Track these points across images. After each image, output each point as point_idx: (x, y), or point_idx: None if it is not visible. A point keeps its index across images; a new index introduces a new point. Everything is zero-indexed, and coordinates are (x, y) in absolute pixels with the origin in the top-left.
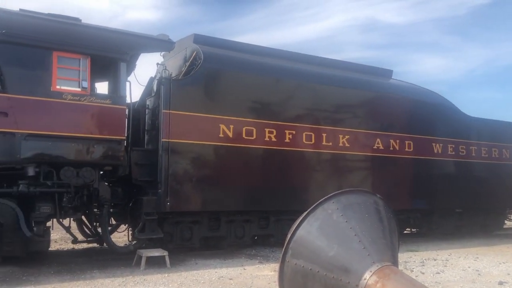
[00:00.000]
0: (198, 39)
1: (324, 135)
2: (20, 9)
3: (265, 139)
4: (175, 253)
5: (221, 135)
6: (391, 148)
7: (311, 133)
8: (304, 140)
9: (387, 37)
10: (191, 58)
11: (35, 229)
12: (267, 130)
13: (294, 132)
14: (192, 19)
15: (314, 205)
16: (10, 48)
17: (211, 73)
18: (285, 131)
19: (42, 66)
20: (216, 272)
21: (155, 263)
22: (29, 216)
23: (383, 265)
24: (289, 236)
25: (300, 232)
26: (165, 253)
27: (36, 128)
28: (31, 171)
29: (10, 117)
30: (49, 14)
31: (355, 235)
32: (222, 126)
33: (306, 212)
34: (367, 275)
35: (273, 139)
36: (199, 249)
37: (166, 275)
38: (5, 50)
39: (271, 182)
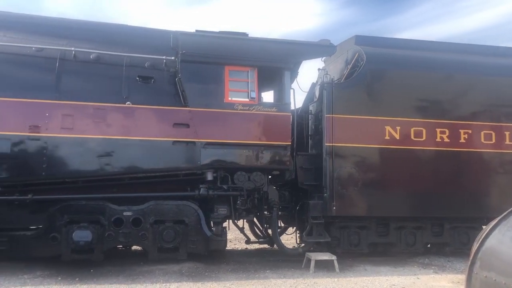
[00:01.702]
0: (360, 40)
1: (507, 133)
2: (196, 30)
3: (437, 139)
4: (343, 257)
5: (387, 137)
6: None
7: (491, 132)
8: (482, 140)
9: None
10: (353, 60)
11: (214, 229)
12: (438, 130)
13: (470, 131)
14: (351, 21)
15: (506, 212)
16: (189, 66)
17: (375, 73)
18: (460, 130)
19: (216, 80)
20: (387, 279)
21: (324, 267)
22: (208, 217)
23: None
24: (476, 245)
25: (490, 241)
26: (334, 257)
27: (212, 137)
28: (209, 176)
29: (191, 128)
30: (220, 32)
31: None
32: (388, 128)
33: (496, 220)
34: None
35: (446, 139)
36: (367, 255)
37: (335, 279)
38: (185, 68)
39: (444, 186)
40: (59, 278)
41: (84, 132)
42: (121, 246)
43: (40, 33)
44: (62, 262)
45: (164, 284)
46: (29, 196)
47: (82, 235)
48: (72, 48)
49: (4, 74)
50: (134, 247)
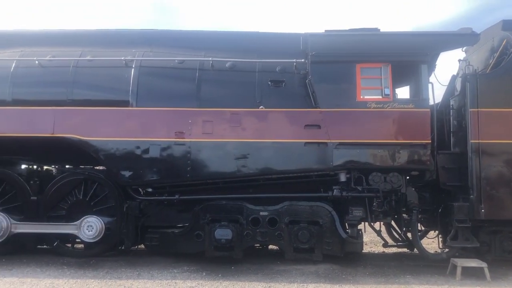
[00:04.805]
0: (508, 25)
1: None
2: (325, 30)
3: None
4: (495, 265)
5: None
6: None
7: None
8: None
9: None
10: (501, 48)
11: (349, 231)
12: None
13: None
14: (493, 6)
15: None
16: (319, 67)
17: None
18: None
19: (347, 79)
20: None
21: (472, 275)
22: (343, 219)
23: None
24: None
25: None
26: (484, 264)
27: (345, 137)
28: (342, 177)
29: (322, 129)
30: (350, 30)
31: None
32: None
33: None
34: None
35: None
36: None
37: None
38: (315, 69)
39: None
40: (204, 274)
41: (223, 136)
42: (258, 245)
43: (181, 46)
44: (205, 258)
45: (301, 285)
46: (176, 196)
47: (223, 233)
48: (210, 58)
49: (153, 85)
50: (270, 247)
